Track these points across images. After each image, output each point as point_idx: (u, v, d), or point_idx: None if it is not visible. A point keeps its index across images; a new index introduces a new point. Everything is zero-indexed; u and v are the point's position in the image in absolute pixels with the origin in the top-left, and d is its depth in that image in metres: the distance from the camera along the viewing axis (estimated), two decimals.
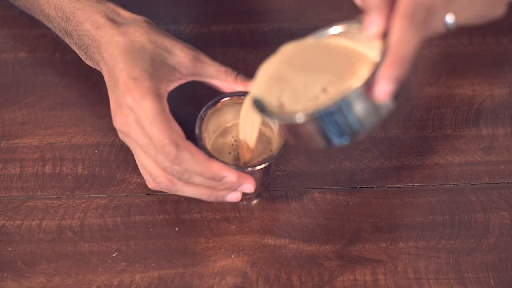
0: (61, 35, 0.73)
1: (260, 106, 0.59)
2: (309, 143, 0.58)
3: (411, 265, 0.67)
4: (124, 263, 0.67)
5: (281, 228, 0.69)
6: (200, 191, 0.65)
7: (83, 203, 0.71)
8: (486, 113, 0.77)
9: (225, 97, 0.68)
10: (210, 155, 0.64)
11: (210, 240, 0.68)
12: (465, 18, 0.55)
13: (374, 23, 0.54)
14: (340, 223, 0.69)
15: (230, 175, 0.63)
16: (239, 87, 0.68)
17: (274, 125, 0.68)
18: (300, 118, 0.55)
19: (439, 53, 0.82)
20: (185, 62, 0.66)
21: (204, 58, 0.67)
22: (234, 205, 0.70)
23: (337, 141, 0.56)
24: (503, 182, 0.72)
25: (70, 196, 0.71)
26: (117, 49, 0.65)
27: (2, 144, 0.74)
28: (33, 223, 0.69)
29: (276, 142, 0.68)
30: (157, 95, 0.62)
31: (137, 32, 0.66)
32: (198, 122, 0.66)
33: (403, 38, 0.52)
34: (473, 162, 0.73)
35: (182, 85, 0.67)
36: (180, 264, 0.67)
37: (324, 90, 0.56)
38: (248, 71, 0.80)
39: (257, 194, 0.70)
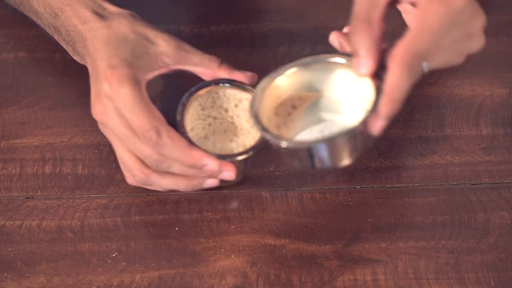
0: (50, 31, 0.73)
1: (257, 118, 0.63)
2: (298, 165, 0.65)
3: (411, 265, 0.67)
4: (124, 263, 0.67)
5: (281, 228, 0.69)
6: (177, 181, 0.66)
7: (83, 203, 0.71)
8: (486, 113, 0.77)
9: (208, 84, 0.68)
10: (191, 142, 0.64)
11: (210, 240, 0.68)
12: (435, 65, 0.61)
13: (365, 65, 0.60)
14: (340, 223, 0.69)
15: (211, 163, 0.63)
16: (223, 74, 0.68)
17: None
18: (290, 144, 0.61)
19: None
20: (168, 51, 0.66)
21: (187, 47, 0.68)
22: (234, 205, 0.70)
23: (323, 167, 0.64)
24: (503, 182, 0.72)
25: (70, 196, 0.71)
26: (101, 41, 0.65)
27: (2, 144, 0.74)
28: (33, 223, 0.69)
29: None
30: (135, 82, 0.62)
31: (121, 24, 0.67)
32: (179, 108, 0.66)
33: (400, 83, 0.58)
34: (473, 162, 0.73)
35: (165, 76, 0.68)
36: (180, 264, 0.67)
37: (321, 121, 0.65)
38: (248, 71, 0.80)
39: (236, 182, 0.70)
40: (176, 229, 0.69)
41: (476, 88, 0.79)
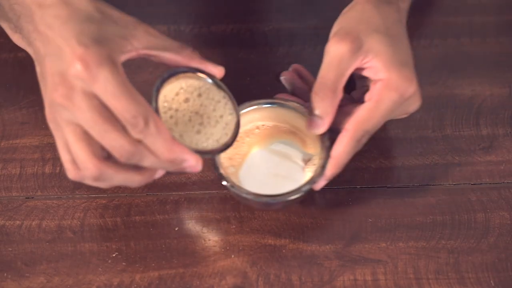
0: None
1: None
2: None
3: (411, 265, 0.67)
4: (124, 263, 0.67)
5: (281, 228, 0.69)
6: (132, 177, 0.60)
7: (83, 203, 0.71)
8: (486, 113, 0.77)
9: (181, 71, 0.63)
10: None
11: (210, 240, 0.68)
12: None
13: (321, 127, 0.65)
14: (340, 223, 0.69)
15: (191, 160, 0.59)
16: (195, 62, 0.63)
17: None
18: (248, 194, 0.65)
19: (439, 53, 0.82)
20: (136, 34, 0.60)
21: (156, 32, 0.62)
22: (234, 205, 0.70)
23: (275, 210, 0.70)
24: (503, 182, 0.72)
25: (70, 196, 0.71)
26: (59, 19, 0.58)
27: (2, 144, 0.74)
28: (33, 223, 0.69)
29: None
30: (114, 64, 0.57)
31: (81, 0, 0.60)
32: (154, 94, 0.61)
33: (347, 153, 0.65)
34: (473, 162, 0.73)
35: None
36: (180, 264, 0.67)
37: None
38: (248, 71, 0.80)
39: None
40: (176, 229, 0.69)
41: (476, 88, 0.79)
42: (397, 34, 0.67)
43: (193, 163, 0.60)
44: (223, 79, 0.79)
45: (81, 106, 0.56)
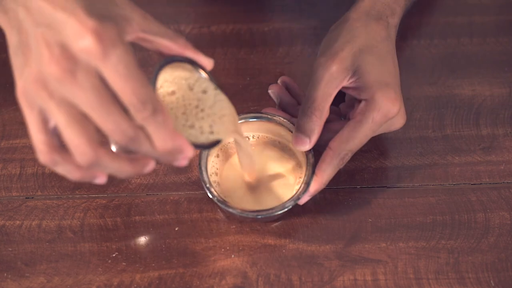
0: None
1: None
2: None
3: (411, 265, 0.67)
4: (124, 263, 0.67)
5: (281, 228, 0.69)
6: (124, 167, 0.56)
7: (83, 203, 0.71)
8: (486, 113, 0.77)
9: (176, 60, 0.60)
10: None
11: (210, 240, 0.68)
12: None
13: (306, 145, 0.67)
14: (340, 223, 0.69)
15: (190, 152, 0.56)
16: (188, 52, 0.60)
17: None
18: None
19: (439, 53, 0.82)
20: (134, 16, 0.56)
21: (151, 18, 0.59)
22: None
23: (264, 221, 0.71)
24: (503, 182, 0.72)
25: (70, 196, 0.71)
26: None
27: (2, 144, 0.74)
28: (33, 223, 0.69)
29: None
30: (126, 44, 0.53)
31: None
32: (153, 80, 0.58)
33: (330, 170, 0.67)
34: (473, 162, 0.73)
35: None
36: (180, 264, 0.67)
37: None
38: (248, 71, 0.80)
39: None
40: (176, 229, 0.69)
41: (476, 88, 0.79)
42: (385, 52, 0.69)
43: (190, 155, 0.56)
44: (223, 79, 0.80)
45: (85, 84, 0.52)
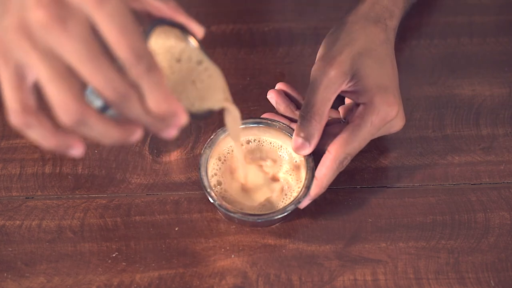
0: None
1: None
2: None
3: (411, 265, 0.67)
4: (124, 263, 0.67)
5: (281, 228, 0.69)
6: (110, 130, 0.50)
7: (83, 203, 0.71)
8: (486, 113, 0.77)
9: (168, 23, 0.57)
10: None
11: (210, 240, 0.68)
12: None
13: (306, 149, 0.67)
14: (340, 223, 0.69)
15: (183, 117, 0.51)
16: (179, 16, 0.57)
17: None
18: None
19: (439, 53, 0.82)
20: None
21: None
22: None
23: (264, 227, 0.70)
24: (503, 182, 0.72)
25: (70, 196, 0.71)
26: None
27: (2, 144, 0.74)
28: (33, 223, 0.69)
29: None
30: None
31: None
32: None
33: (330, 174, 0.66)
34: (473, 162, 0.73)
35: None
36: (180, 264, 0.67)
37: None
38: (248, 71, 0.80)
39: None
40: (176, 229, 0.69)
41: (476, 88, 0.79)
42: (383, 55, 0.69)
43: (183, 122, 0.52)
44: (225, 79, 0.80)
45: (75, 33, 0.47)
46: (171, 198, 0.71)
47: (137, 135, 0.51)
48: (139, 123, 0.51)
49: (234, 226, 0.69)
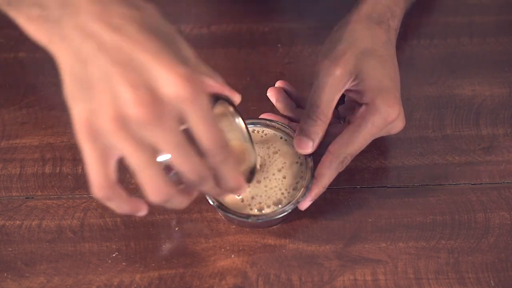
0: (3, 6, 0.55)
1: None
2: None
3: (411, 265, 0.67)
4: (124, 263, 0.67)
5: (281, 228, 0.69)
6: (183, 200, 0.58)
7: (83, 203, 0.71)
8: (486, 113, 0.77)
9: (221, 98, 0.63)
10: None
11: (210, 240, 0.68)
12: None
13: (309, 148, 0.67)
14: (340, 223, 0.69)
15: (245, 188, 0.59)
16: (226, 90, 0.62)
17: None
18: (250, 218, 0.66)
19: (439, 53, 0.82)
20: (192, 57, 0.56)
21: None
22: None
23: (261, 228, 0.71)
24: (503, 182, 0.72)
25: (70, 196, 0.71)
26: (131, 21, 0.51)
27: (2, 144, 0.74)
28: (33, 223, 0.69)
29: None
30: None
31: (148, 4, 0.54)
32: None
33: (329, 174, 0.67)
34: (473, 162, 0.73)
35: None
36: (180, 264, 0.67)
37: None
38: (248, 71, 0.80)
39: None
40: (176, 229, 0.69)
41: (476, 88, 0.79)
42: (386, 56, 0.69)
43: (244, 190, 0.59)
44: (223, 78, 0.80)
45: (170, 128, 0.51)
46: None
47: (193, 197, 0.59)
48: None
49: (234, 226, 0.69)
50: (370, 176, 0.72)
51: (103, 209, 0.70)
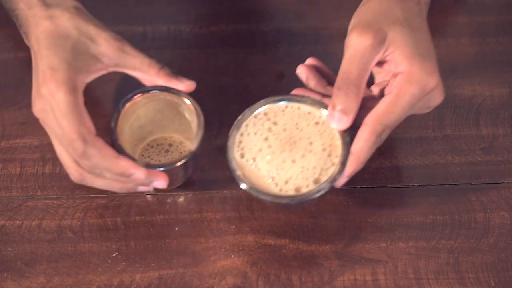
0: (11, 16, 0.71)
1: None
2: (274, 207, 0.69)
3: (411, 265, 0.67)
4: (124, 263, 0.67)
5: (281, 228, 0.69)
6: (110, 184, 0.65)
7: (83, 203, 0.71)
8: (486, 113, 0.77)
9: (146, 91, 0.66)
10: (120, 150, 0.64)
11: (210, 240, 0.68)
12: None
13: (344, 123, 0.63)
14: (340, 223, 0.69)
15: (138, 173, 0.63)
16: (160, 81, 0.66)
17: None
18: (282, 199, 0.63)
19: (439, 53, 0.81)
20: (108, 52, 0.65)
21: (129, 49, 0.66)
22: (234, 205, 0.70)
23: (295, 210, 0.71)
24: (503, 182, 0.72)
25: (70, 196, 0.71)
26: (43, 33, 0.64)
27: (2, 144, 0.74)
28: (33, 223, 0.69)
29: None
30: (72, 88, 0.62)
31: (64, 16, 0.65)
32: (114, 115, 0.65)
33: (367, 148, 0.62)
34: (473, 162, 0.73)
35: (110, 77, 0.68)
36: (180, 264, 0.67)
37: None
38: (248, 71, 0.80)
39: (176, 186, 0.70)
40: (176, 229, 0.69)
41: (476, 88, 0.79)
42: (418, 26, 0.65)
43: (141, 176, 0.63)
44: (224, 79, 0.79)
45: (52, 122, 0.63)
46: (171, 198, 0.71)
47: (141, 188, 0.66)
48: None
49: (234, 226, 0.69)
50: (370, 176, 0.72)
51: (103, 209, 0.70)
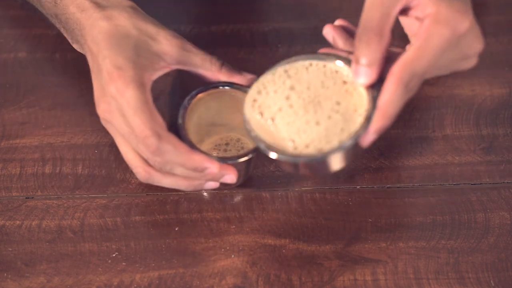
0: (52, 20, 0.71)
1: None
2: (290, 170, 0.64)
3: (411, 265, 0.67)
4: (124, 263, 0.67)
5: (281, 228, 0.69)
6: (178, 181, 0.65)
7: (83, 203, 0.71)
8: (486, 113, 0.77)
9: (209, 88, 0.68)
10: (192, 145, 0.64)
11: (210, 240, 0.68)
12: (435, 74, 0.62)
13: (368, 76, 0.58)
14: (340, 223, 0.69)
15: (212, 166, 0.63)
16: (223, 77, 0.67)
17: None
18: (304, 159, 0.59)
19: None
20: (170, 50, 0.65)
21: (190, 46, 0.66)
22: (234, 205, 0.70)
23: (314, 175, 0.71)
24: (503, 182, 0.72)
25: (70, 196, 0.71)
26: (101, 33, 0.63)
27: (2, 144, 0.74)
28: (33, 223, 0.69)
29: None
30: (141, 85, 0.61)
31: (122, 16, 0.64)
32: (181, 111, 0.66)
33: (395, 100, 0.57)
34: (473, 162, 0.73)
35: (168, 74, 0.67)
36: (180, 264, 0.67)
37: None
38: (248, 71, 0.80)
39: (238, 184, 0.70)
40: (176, 229, 0.69)
41: (476, 88, 0.79)
42: None
43: (215, 170, 0.63)
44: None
45: (118, 121, 0.62)
46: (171, 198, 0.71)
47: (208, 185, 0.67)
48: None
49: (234, 226, 0.69)
50: (370, 176, 0.72)
51: (103, 209, 0.70)
